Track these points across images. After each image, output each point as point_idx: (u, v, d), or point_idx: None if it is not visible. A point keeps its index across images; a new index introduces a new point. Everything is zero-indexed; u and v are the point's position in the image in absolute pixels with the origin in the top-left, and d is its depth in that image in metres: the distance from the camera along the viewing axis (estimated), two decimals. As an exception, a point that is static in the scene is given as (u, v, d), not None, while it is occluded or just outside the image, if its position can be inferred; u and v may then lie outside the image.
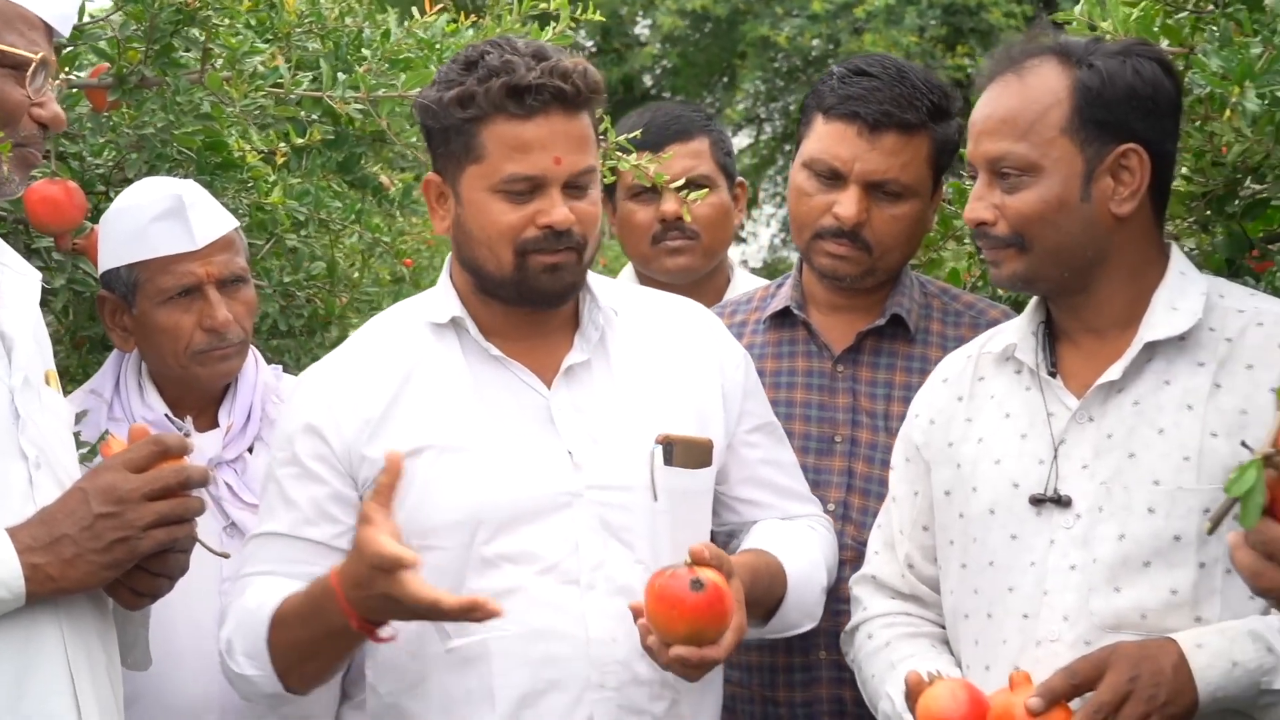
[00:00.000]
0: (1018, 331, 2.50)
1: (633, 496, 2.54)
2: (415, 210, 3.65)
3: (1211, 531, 1.56)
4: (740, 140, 14.93)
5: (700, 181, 3.54)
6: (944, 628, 2.55)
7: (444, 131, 2.50)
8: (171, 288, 2.83)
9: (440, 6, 3.18)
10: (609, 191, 3.61)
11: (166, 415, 2.88)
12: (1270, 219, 2.86)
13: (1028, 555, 2.37)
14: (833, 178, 2.88)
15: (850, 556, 2.84)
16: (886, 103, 2.84)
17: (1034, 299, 2.49)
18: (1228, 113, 2.42)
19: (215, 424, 2.93)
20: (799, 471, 2.82)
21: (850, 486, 2.90)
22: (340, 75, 3.00)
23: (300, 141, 3.15)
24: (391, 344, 2.62)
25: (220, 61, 2.99)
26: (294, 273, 3.38)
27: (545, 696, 2.49)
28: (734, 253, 15.13)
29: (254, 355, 2.99)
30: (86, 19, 2.98)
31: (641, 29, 14.27)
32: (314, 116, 3.06)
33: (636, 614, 2.40)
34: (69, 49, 3.01)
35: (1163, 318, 2.35)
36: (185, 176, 3.07)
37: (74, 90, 3.00)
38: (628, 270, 3.80)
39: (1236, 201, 2.80)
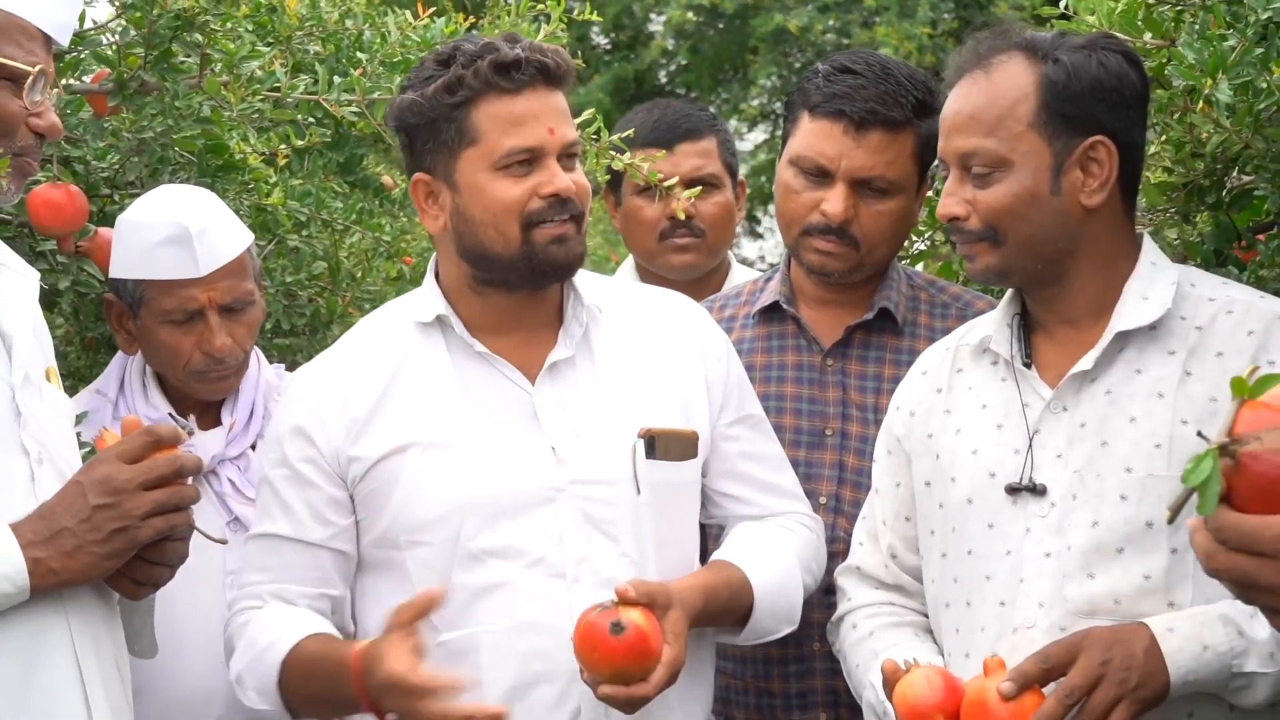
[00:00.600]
0: (993, 324, 2.54)
1: (616, 490, 2.58)
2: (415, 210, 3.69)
3: (1171, 520, 1.59)
4: (756, 136, 14.95)
5: (709, 180, 3.61)
6: (927, 617, 2.59)
7: (431, 124, 2.54)
8: (174, 310, 2.87)
9: (433, 10, 3.22)
10: (614, 186, 3.66)
11: (170, 414, 2.93)
12: (1256, 210, 2.89)
13: (1004, 544, 2.40)
14: (819, 175, 2.91)
15: (843, 549, 2.86)
16: (872, 100, 2.87)
17: (1009, 291, 2.52)
18: (1200, 104, 2.45)
19: (218, 422, 2.98)
20: (785, 465, 2.84)
21: (842, 479, 2.94)
22: (336, 78, 3.05)
23: (300, 144, 3.20)
24: (377, 344, 2.66)
25: (219, 66, 3.03)
26: (296, 273, 3.43)
27: (533, 689, 2.53)
28: (750, 249, 15.20)
29: (256, 354, 3.04)
30: (88, 25, 3.03)
31: (655, 26, 14.29)
32: (311, 119, 3.11)
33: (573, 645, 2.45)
34: (71, 54, 3.06)
35: (1134, 307, 2.38)
36: (187, 179, 3.12)
37: (75, 95, 3.05)
38: (628, 264, 3.84)
39: (1224, 193, 2.83)
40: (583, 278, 2.69)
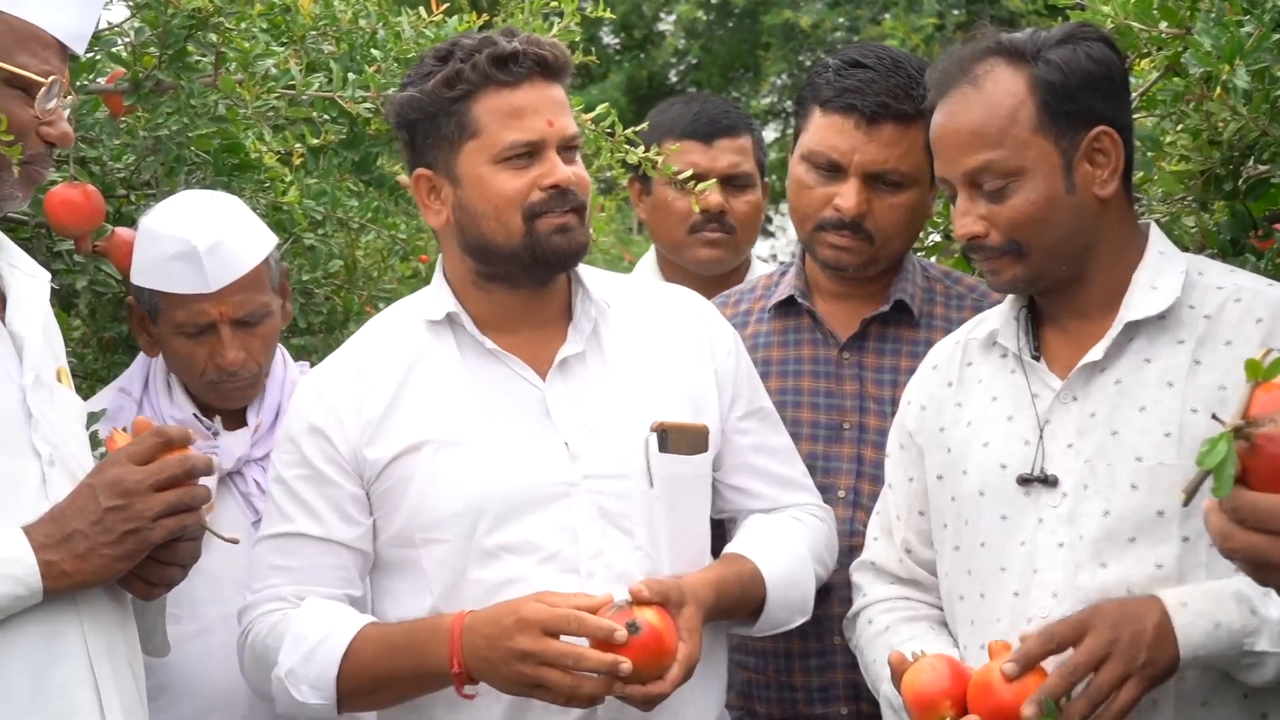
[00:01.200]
0: (1000, 317, 2.54)
1: (629, 484, 2.59)
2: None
3: (1186, 503, 1.59)
4: (766, 134, 14.95)
5: (744, 179, 3.64)
6: (942, 610, 2.59)
7: (431, 119, 2.55)
8: (185, 323, 2.88)
9: (446, 5, 3.23)
10: (643, 181, 3.67)
11: (195, 415, 2.93)
12: (1273, 198, 2.88)
13: (1018, 535, 2.40)
14: (832, 170, 2.91)
15: (863, 542, 2.85)
16: (883, 94, 2.87)
17: None
18: (1218, 91, 2.44)
19: (243, 422, 2.99)
20: (796, 458, 2.85)
21: (860, 473, 2.94)
22: (351, 76, 3.05)
23: (316, 142, 3.20)
24: (388, 343, 2.67)
25: (233, 65, 3.04)
26: (312, 271, 3.43)
27: None
28: (762, 246, 15.20)
29: (281, 354, 3.04)
30: (103, 26, 3.04)
31: (665, 26, 14.30)
32: (326, 117, 3.11)
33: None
34: (86, 55, 3.07)
35: (1143, 297, 2.38)
36: (203, 178, 3.12)
37: (91, 96, 3.06)
38: (649, 258, 3.85)
39: (1240, 181, 2.82)
40: (589, 274, 2.71)
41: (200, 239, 2.81)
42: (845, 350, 3.00)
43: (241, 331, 2.89)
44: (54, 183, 2.89)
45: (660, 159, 3.01)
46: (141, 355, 3.04)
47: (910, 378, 2.91)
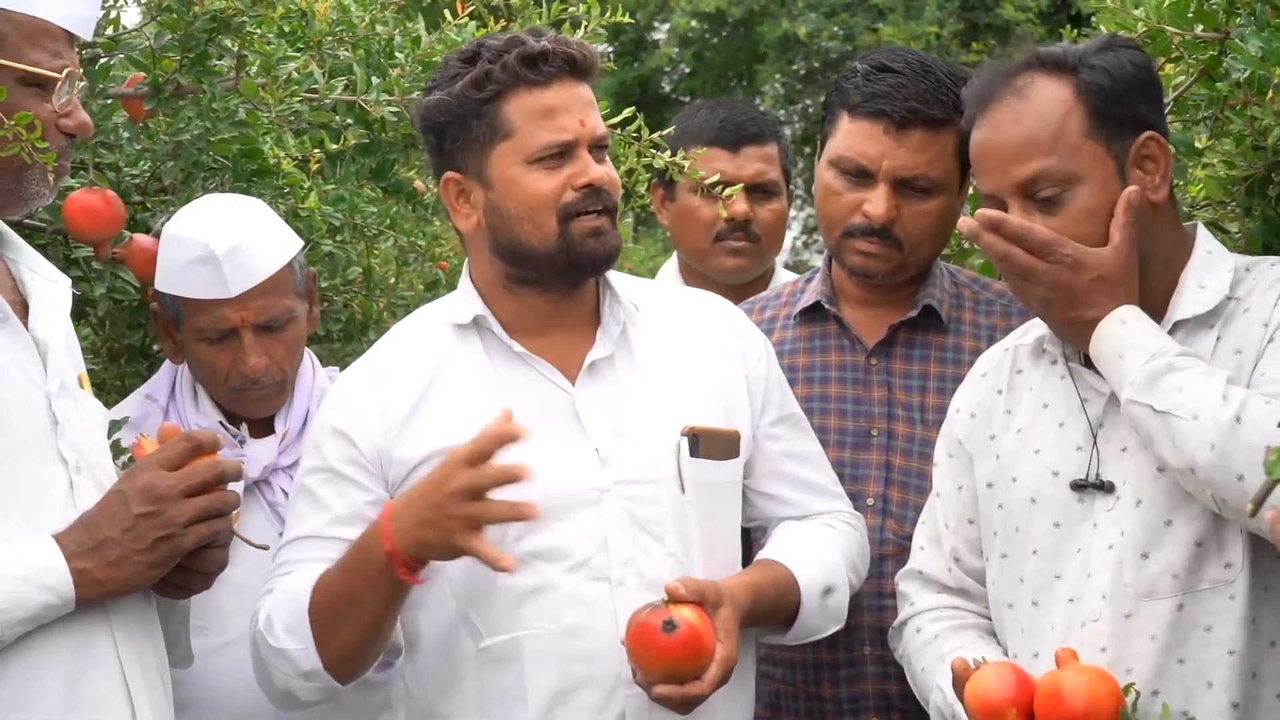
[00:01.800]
0: None
1: (660, 490, 2.56)
2: (446, 213, 3.67)
3: (1254, 514, 1.58)
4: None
5: (770, 187, 3.61)
6: (990, 619, 2.56)
7: (460, 121, 2.53)
8: (207, 329, 2.84)
9: (471, 8, 3.20)
10: (668, 187, 3.64)
11: (221, 422, 2.90)
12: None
13: (1073, 542, 2.39)
14: (861, 176, 2.88)
15: (892, 551, 2.86)
16: (912, 99, 2.84)
17: None
18: (1270, 94, 2.42)
19: (271, 430, 2.95)
20: (826, 464, 2.82)
21: (889, 480, 2.91)
22: (374, 79, 3.02)
23: (335, 147, 3.17)
24: (415, 347, 2.64)
25: (254, 69, 3.01)
26: (330, 278, 3.40)
27: (578, 693, 2.51)
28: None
29: (310, 359, 3.01)
30: (121, 29, 3.01)
31: (660, 34, 14.29)
32: (348, 121, 3.08)
33: (624, 647, 2.44)
34: (103, 60, 3.04)
35: (1191, 296, 2.37)
36: (221, 184, 3.09)
37: (110, 100, 3.03)
38: (671, 266, 3.82)
39: (1272, 185, 2.80)
40: (617, 278, 2.68)
41: (218, 243, 2.78)
42: (873, 356, 2.97)
43: (265, 337, 2.85)
44: (70, 188, 2.86)
45: (687, 163, 2.98)
46: (168, 362, 3.00)
47: (939, 384, 2.92)
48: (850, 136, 2.89)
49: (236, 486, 2.51)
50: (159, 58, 2.96)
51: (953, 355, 2.93)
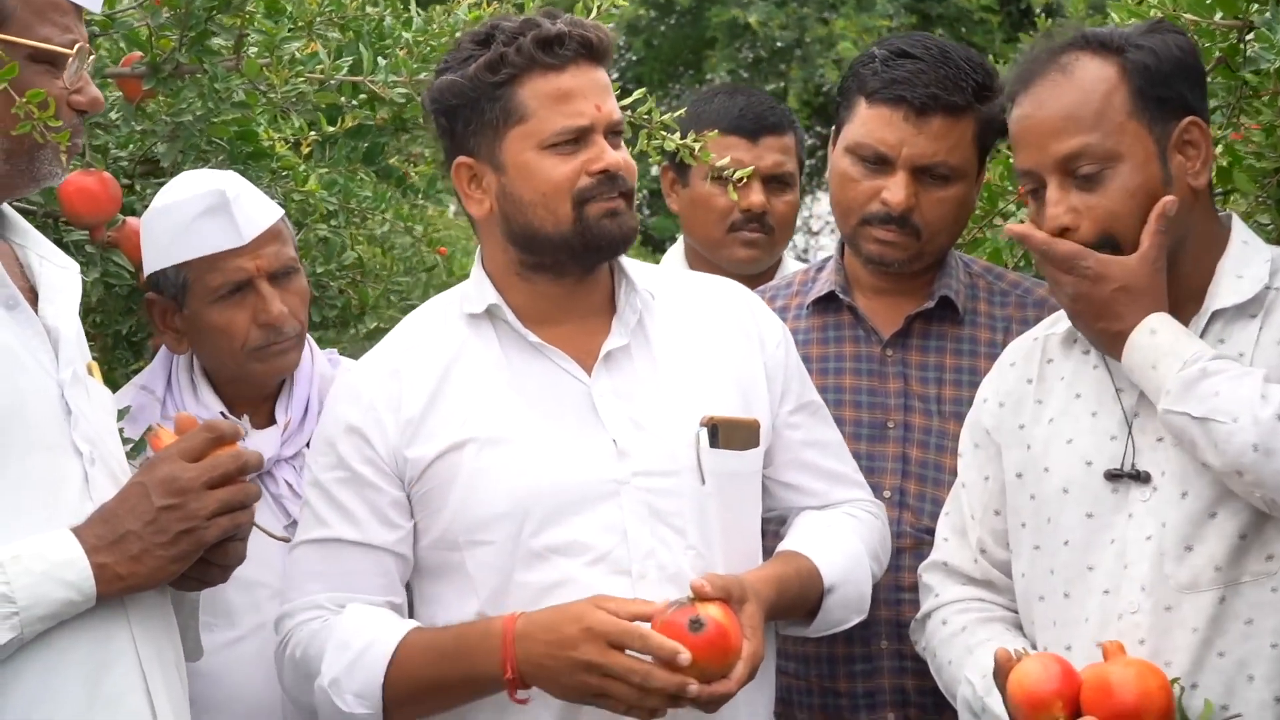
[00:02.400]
0: None
1: (680, 481, 2.51)
2: (441, 201, 3.61)
3: None
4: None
5: (786, 179, 3.57)
6: (1016, 612, 2.54)
7: (473, 104, 2.47)
8: (222, 285, 2.76)
9: (470, -10, 3.14)
10: (679, 171, 3.59)
11: (222, 413, 2.82)
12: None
13: (1107, 533, 2.36)
14: (879, 163, 2.84)
15: (909, 544, 2.82)
16: (932, 85, 2.80)
17: None
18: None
19: (272, 421, 2.87)
20: (846, 452, 2.78)
21: (905, 472, 2.87)
22: (380, 60, 2.95)
23: (331, 130, 3.10)
24: (427, 339, 2.58)
25: (255, 49, 2.93)
26: (325, 263, 3.33)
27: None
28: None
29: (309, 345, 2.93)
30: (118, 7, 2.92)
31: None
32: (354, 103, 3.01)
33: None
34: (98, 37, 2.95)
35: (1229, 286, 2.36)
36: (218, 166, 3.01)
37: (106, 80, 2.94)
38: (676, 252, 3.76)
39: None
40: (632, 264, 2.63)
41: (227, 187, 2.75)
42: (889, 347, 2.93)
43: (278, 287, 2.79)
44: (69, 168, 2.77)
45: (698, 146, 2.91)
46: (163, 353, 2.91)
47: (955, 375, 2.89)
48: (869, 123, 2.85)
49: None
50: (157, 36, 2.88)
51: (969, 347, 2.90)
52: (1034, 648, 2.44)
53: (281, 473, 2.82)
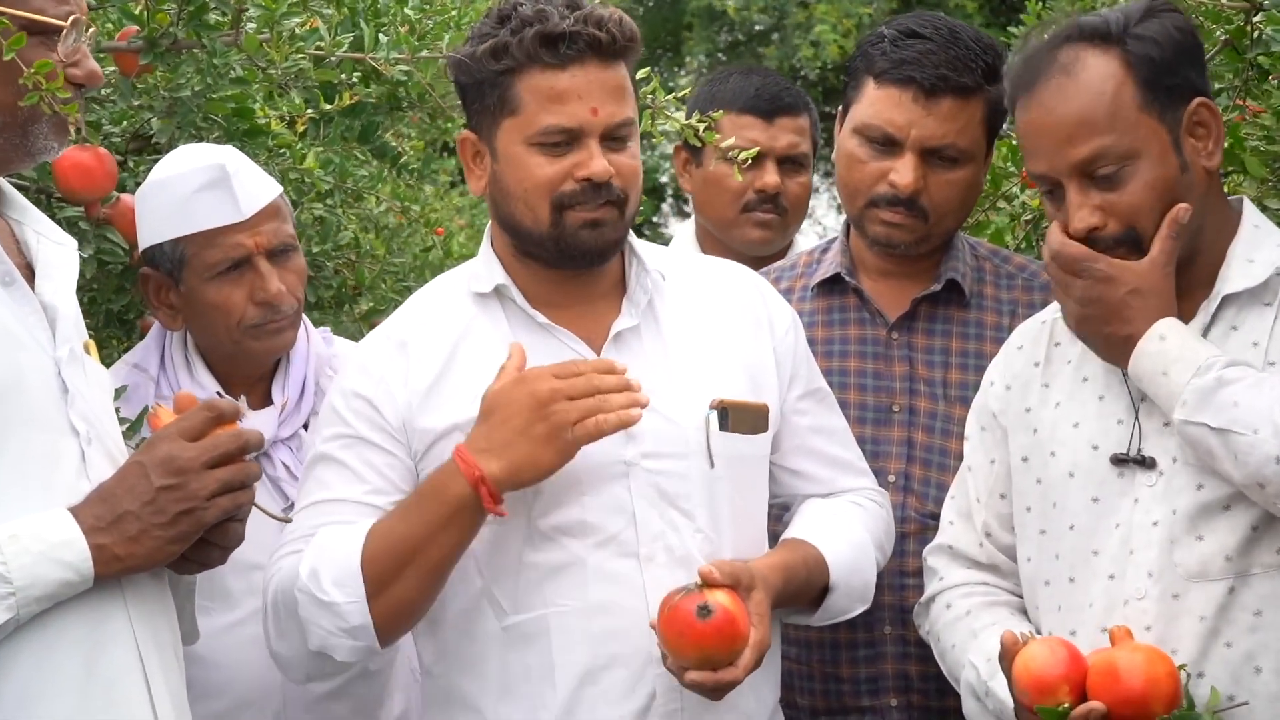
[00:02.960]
0: None
1: (689, 464, 2.49)
2: (435, 180, 3.57)
3: None
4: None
5: (801, 160, 3.54)
6: (1021, 597, 2.52)
7: (478, 86, 2.44)
8: (220, 261, 2.72)
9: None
10: (693, 151, 3.55)
11: (218, 393, 2.78)
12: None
13: (1112, 517, 2.35)
14: (887, 144, 2.81)
15: (914, 529, 2.80)
16: (942, 66, 2.78)
17: None
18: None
19: (268, 401, 2.83)
20: (852, 440, 2.76)
21: (910, 457, 2.85)
22: (381, 37, 2.91)
23: (329, 107, 3.05)
24: (435, 317, 2.54)
25: (253, 24, 2.88)
26: (321, 243, 3.28)
27: (607, 672, 2.44)
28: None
29: (305, 325, 2.90)
30: (115, -20, 2.88)
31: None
32: (354, 80, 2.97)
33: (656, 633, 2.37)
34: (94, 10, 2.90)
35: (1240, 270, 2.34)
36: (214, 143, 2.97)
37: (102, 54, 2.89)
38: (687, 232, 3.73)
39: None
40: (642, 245, 2.60)
41: (227, 161, 2.71)
42: (894, 330, 2.90)
43: (276, 264, 2.76)
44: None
45: (703, 126, 2.87)
46: (155, 330, 2.87)
47: (961, 359, 2.86)
48: (877, 104, 2.82)
49: None
50: (154, 10, 2.83)
51: (975, 330, 2.88)
52: (1039, 632, 2.43)
53: (278, 454, 2.78)
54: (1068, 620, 2.38)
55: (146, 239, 2.76)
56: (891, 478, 2.84)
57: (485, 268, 2.54)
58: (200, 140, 3.00)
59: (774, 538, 2.64)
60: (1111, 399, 2.39)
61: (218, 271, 2.73)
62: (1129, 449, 2.35)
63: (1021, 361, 2.54)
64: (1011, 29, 3.27)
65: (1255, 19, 2.71)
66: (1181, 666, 2.22)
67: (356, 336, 2.68)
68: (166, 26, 2.83)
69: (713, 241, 3.60)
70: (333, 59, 2.91)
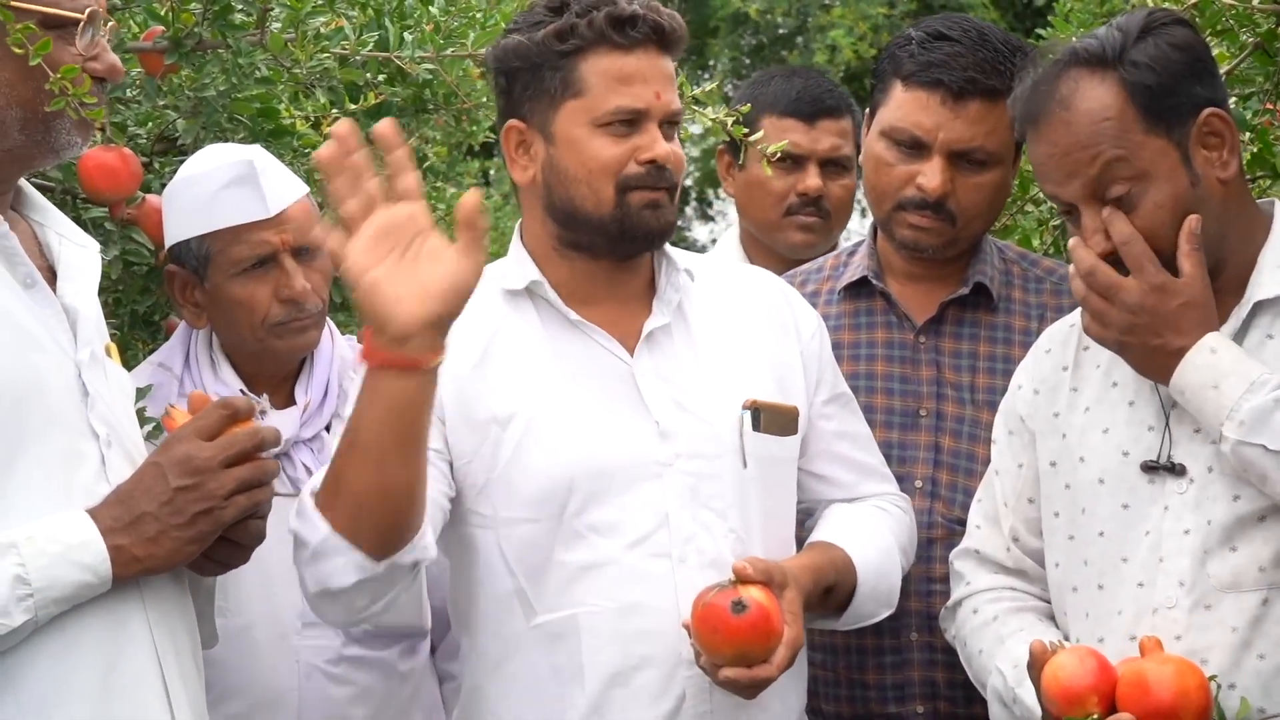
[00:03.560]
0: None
1: (722, 464, 2.49)
2: (460, 182, 3.56)
3: None
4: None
5: (843, 162, 3.51)
6: (1049, 602, 2.50)
7: (535, 70, 2.44)
8: (246, 258, 2.72)
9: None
10: (736, 154, 3.54)
11: (242, 390, 2.76)
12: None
13: (1142, 524, 2.32)
14: (915, 147, 2.79)
15: (941, 535, 2.78)
16: (970, 69, 2.76)
17: None
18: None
19: (291, 401, 2.82)
20: (874, 445, 2.75)
21: (938, 462, 2.83)
22: (407, 37, 2.90)
23: (354, 108, 3.04)
24: (467, 314, 2.50)
25: (278, 24, 2.87)
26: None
27: (637, 673, 2.43)
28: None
29: (330, 328, 2.90)
30: (139, -19, 2.88)
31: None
32: (379, 80, 2.96)
33: (689, 631, 2.36)
34: (119, 10, 2.90)
35: (1271, 276, 2.31)
36: (239, 144, 2.96)
37: (128, 54, 2.88)
38: (732, 238, 3.71)
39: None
40: (668, 246, 2.59)
41: (256, 158, 2.72)
42: (921, 334, 2.88)
43: (302, 263, 2.75)
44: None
45: (731, 121, 2.84)
46: (181, 329, 2.87)
47: (989, 363, 2.85)
48: (904, 106, 2.80)
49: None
50: (178, 10, 2.82)
51: (1003, 334, 2.86)
52: (1066, 639, 2.41)
53: (299, 455, 2.77)
54: (1096, 627, 2.36)
55: (173, 235, 2.76)
56: (918, 483, 2.82)
57: (517, 265, 2.53)
58: (225, 141, 3.00)
59: (799, 542, 2.63)
60: (1141, 405, 2.37)
61: (243, 268, 2.72)
62: (1159, 456, 2.32)
63: (1049, 365, 2.52)
64: (1040, 32, 3.26)
65: (1289, 22, 2.69)
66: (1212, 678, 2.19)
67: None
68: (191, 26, 2.83)
69: (756, 245, 3.59)
70: (358, 59, 2.91)
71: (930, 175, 2.77)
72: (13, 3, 2.05)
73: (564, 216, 2.47)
